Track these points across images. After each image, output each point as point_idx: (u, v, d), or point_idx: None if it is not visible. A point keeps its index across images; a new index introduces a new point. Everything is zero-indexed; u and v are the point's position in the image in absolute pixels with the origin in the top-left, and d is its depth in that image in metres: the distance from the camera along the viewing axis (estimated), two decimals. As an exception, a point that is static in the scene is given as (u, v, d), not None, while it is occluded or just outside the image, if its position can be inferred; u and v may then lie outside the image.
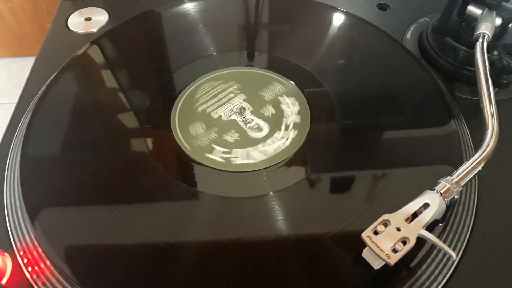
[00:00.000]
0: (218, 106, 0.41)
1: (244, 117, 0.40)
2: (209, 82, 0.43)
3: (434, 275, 0.30)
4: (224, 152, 0.37)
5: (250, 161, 0.36)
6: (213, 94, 0.41)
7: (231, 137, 0.38)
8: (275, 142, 0.37)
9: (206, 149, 0.37)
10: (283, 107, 0.39)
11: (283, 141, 0.37)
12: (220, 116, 0.40)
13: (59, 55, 0.46)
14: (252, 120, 0.39)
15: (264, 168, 0.36)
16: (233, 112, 0.40)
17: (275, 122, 0.39)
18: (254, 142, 0.38)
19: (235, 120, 0.40)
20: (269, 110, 0.40)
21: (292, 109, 0.39)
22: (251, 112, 0.40)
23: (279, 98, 0.40)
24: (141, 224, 0.32)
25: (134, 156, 0.38)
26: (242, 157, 0.36)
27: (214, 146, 0.37)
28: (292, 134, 0.37)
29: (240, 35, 0.49)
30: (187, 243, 0.31)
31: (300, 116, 0.39)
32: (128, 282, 0.29)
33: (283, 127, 0.38)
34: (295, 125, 0.38)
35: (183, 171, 0.36)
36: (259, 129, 0.38)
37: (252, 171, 0.36)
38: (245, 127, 0.39)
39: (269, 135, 0.38)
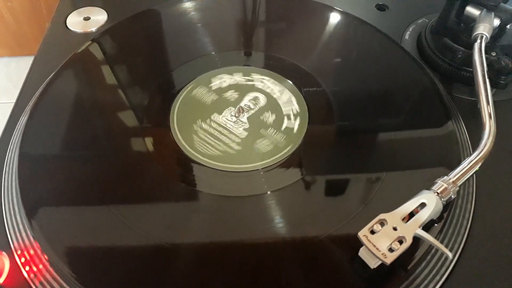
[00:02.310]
0: (225, 99, 0.41)
1: (239, 118, 0.40)
2: (229, 75, 0.43)
3: (431, 275, 0.30)
4: (205, 142, 0.38)
5: (224, 157, 0.37)
6: (229, 86, 0.42)
7: (220, 131, 0.39)
8: (232, 141, 0.38)
9: (192, 133, 0.38)
10: (285, 120, 0.40)
11: (266, 143, 0.38)
12: (221, 109, 0.40)
13: (58, 54, 0.46)
14: (245, 123, 0.39)
15: (262, 168, 0.36)
16: (232, 110, 0.40)
17: (263, 131, 0.39)
18: (238, 142, 0.38)
19: (231, 118, 0.40)
20: (269, 118, 0.40)
21: (291, 122, 0.39)
22: (248, 117, 0.40)
23: (285, 118, 0.40)
24: (139, 223, 0.32)
25: (132, 154, 0.38)
26: (220, 152, 0.37)
27: (200, 133, 0.38)
28: (279, 137, 0.38)
29: (238, 34, 0.49)
30: (185, 242, 0.31)
31: (287, 142, 0.38)
32: (126, 282, 0.29)
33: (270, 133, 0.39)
34: (286, 130, 0.38)
35: (182, 170, 0.36)
36: (247, 130, 0.39)
37: (251, 170, 0.36)
38: (235, 127, 0.39)
39: (253, 139, 0.38)
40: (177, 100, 0.41)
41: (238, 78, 0.43)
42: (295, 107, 0.40)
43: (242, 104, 0.41)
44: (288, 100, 0.41)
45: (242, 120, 0.40)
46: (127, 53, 0.46)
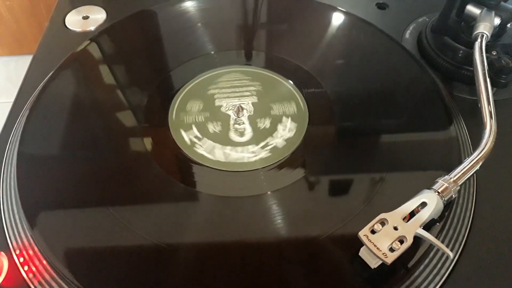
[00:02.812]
0: (227, 97, 0.41)
1: (238, 117, 0.40)
2: (237, 73, 0.43)
3: (432, 275, 0.30)
4: (195, 137, 0.37)
5: (209, 156, 0.36)
6: (233, 85, 0.42)
7: (213, 127, 0.38)
8: (243, 152, 0.37)
9: (185, 126, 0.38)
10: (279, 127, 0.39)
11: (249, 155, 0.37)
12: (220, 106, 0.40)
13: (57, 53, 0.46)
14: (243, 123, 0.39)
15: (262, 168, 0.36)
16: (232, 108, 0.40)
17: (259, 137, 0.38)
18: (227, 142, 0.38)
19: (229, 116, 0.40)
20: (265, 124, 0.39)
21: (284, 133, 0.38)
22: (248, 116, 0.40)
23: (284, 117, 0.39)
24: (137, 223, 0.32)
25: (131, 154, 0.37)
26: (206, 149, 0.37)
27: (193, 126, 0.38)
28: (263, 154, 0.37)
29: (239, 34, 0.49)
30: (184, 243, 0.31)
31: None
32: (125, 282, 0.29)
33: (261, 144, 0.37)
34: (272, 149, 0.37)
35: (181, 171, 0.36)
36: (242, 134, 0.38)
37: (250, 170, 0.36)
38: (231, 126, 0.39)
39: (244, 144, 0.38)
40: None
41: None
42: (291, 134, 0.38)
43: (247, 106, 0.41)
44: (290, 126, 0.40)
45: (236, 119, 0.40)
46: (126, 53, 0.46)
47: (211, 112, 0.40)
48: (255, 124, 0.39)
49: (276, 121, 0.39)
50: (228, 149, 0.37)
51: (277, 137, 0.38)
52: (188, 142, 0.37)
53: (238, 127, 0.39)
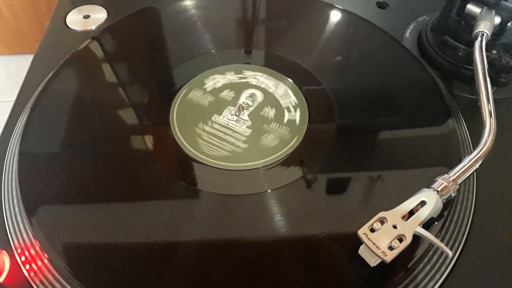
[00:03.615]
0: (226, 97, 0.41)
1: (239, 116, 0.40)
2: (231, 72, 0.43)
3: (432, 274, 0.30)
4: (202, 138, 0.38)
5: (218, 154, 0.37)
6: (230, 83, 0.42)
7: (217, 128, 0.39)
8: (271, 131, 0.38)
9: (190, 127, 0.38)
10: (286, 113, 0.40)
11: (273, 136, 0.38)
12: (221, 106, 0.40)
13: (58, 52, 0.46)
14: (246, 121, 0.39)
15: (262, 166, 0.36)
16: (232, 108, 0.40)
17: (277, 117, 0.39)
18: (235, 139, 0.38)
19: (230, 116, 0.40)
20: (269, 113, 0.40)
21: (291, 114, 0.39)
22: (249, 114, 0.40)
23: (285, 111, 0.40)
24: (139, 221, 0.32)
25: (132, 153, 0.38)
26: (214, 148, 0.37)
27: (197, 128, 0.38)
28: (282, 130, 0.38)
29: (239, 32, 0.49)
30: (184, 241, 0.31)
31: (300, 119, 0.39)
32: (126, 280, 0.29)
33: (277, 120, 0.39)
34: (290, 123, 0.38)
35: (182, 169, 0.36)
36: (246, 131, 0.39)
37: (251, 169, 0.36)
38: (235, 125, 0.39)
39: (250, 139, 0.38)
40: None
41: (230, 77, 0.43)
42: (293, 99, 0.40)
43: (240, 102, 0.41)
44: (284, 93, 0.41)
45: (243, 118, 0.40)
46: (127, 51, 0.46)
47: (213, 113, 0.40)
48: (257, 122, 0.40)
49: (280, 113, 0.40)
50: (239, 144, 0.37)
51: (284, 122, 0.38)
52: (195, 143, 0.37)
53: (241, 125, 0.39)
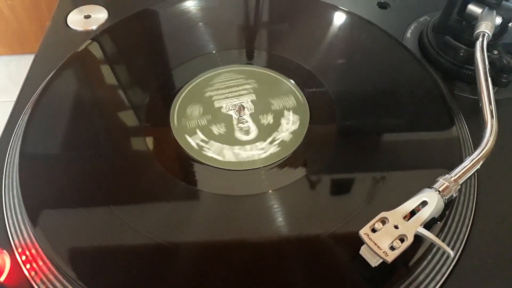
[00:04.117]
0: (226, 98, 0.41)
1: (240, 116, 0.40)
2: (230, 73, 0.43)
3: (433, 274, 0.30)
4: (202, 140, 0.37)
5: (219, 158, 0.36)
6: (228, 85, 0.42)
7: (217, 129, 0.38)
8: (252, 150, 0.37)
9: (190, 131, 0.38)
10: (283, 121, 0.39)
11: (260, 152, 0.37)
12: (221, 107, 0.40)
13: (58, 52, 0.46)
14: (246, 122, 0.39)
15: (263, 167, 0.36)
16: (233, 108, 0.40)
17: (265, 133, 0.38)
18: (234, 142, 0.38)
19: (231, 116, 0.40)
20: (268, 119, 0.39)
21: (289, 126, 0.38)
22: (250, 114, 0.40)
23: (285, 111, 0.40)
24: (139, 222, 0.32)
25: (133, 154, 0.38)
26: (214, 151, 0.37)
27: (197, 131, 0.38)
28: (273, 149, 0.37)
29: (240, 33, 0.49)
30: (185, 241, 0.31)
31: (293, 135, 0.38)
32: (127, 281, 0.29)
33: (268, 140, 0.38)
34: (281, 143, 0.37)
35: (183, 170, 0.36)
36: (247, 132, 0.38)
37: (252, 169, 0.36)
38: (235, 126, 0.39)
39: (252, 142, 0.38)
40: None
41: (225, 83, 0.42)
42: (296, 127, 0.38)
43: (247, 104, 0.41)
44: (293, 118, 0.40)
45: (239, 118, 0.40)
46: (128, 52, 0.46)
47: (213, 114, 0.40)
48: (258, 121, 0.39)
49: (279, 115, 0.40)
50: (237, 148, 0.37)
51: (282, 131, 0.38)
52: (196, 146, 0.37)
53: (242, 126, 0.39)
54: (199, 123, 0.39)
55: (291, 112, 0.39)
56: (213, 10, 0.50)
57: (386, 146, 0.38)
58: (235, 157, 0.36)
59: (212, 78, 0.43)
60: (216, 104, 0.40)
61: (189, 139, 0.37)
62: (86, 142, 0.38)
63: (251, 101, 0.41)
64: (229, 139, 0.38)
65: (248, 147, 0.37)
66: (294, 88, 0.42)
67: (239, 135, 0.38)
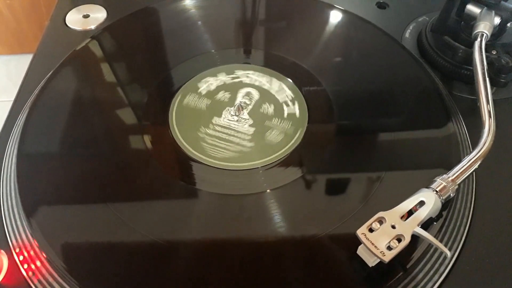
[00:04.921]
0: (226, 92, 0.42)
1: (240, 115, 0.40)
2: (244, 70, 0.43)
3: (431, 274, 0.30)
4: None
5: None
6: (232, 81, 0.42)
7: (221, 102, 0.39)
8: (274, 128, 0.38)
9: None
10: (284, 108, 0.40)
11: (278, 132, 0.38)
12: (221, 99, 0.41)
13: (57, 52, 0.46)
14: (245, 120, 0.39)
15: (261, 166, 0.36)
16: (232, 113, 0.40)
17: (278, 113, 0.39)
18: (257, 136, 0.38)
19: (232, 120, 0.40)
20: (269, 109, 0.40)
21: (292, 108, 0.39)
22: (252, 108, 0.40)
23: (283, 105, 0.40)
24: (138, 221, 0.32)
25: (131, 153, 0.38)
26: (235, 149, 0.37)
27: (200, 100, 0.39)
28: (284, 124, 0.38)
29: (238, 32, 0.49)
30: (184, 240, 0.31)
31: (291, 134, 0.38)
32: (125, 280, 0.29)
33: (279, 116, 0.39)
34: (290, 116, 0.38)
35: (181, 169, 0.36)
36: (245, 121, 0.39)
37: (250, 169, 0.36)
38: (240, 125, 0.39)
39: (269, 126, 0.38)
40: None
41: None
42: (289, 93, 0.39)
43: (238, 102, 0.41)
44: (279, 88, 0.41)
45: (243, 117, 0.40)
46: (127, 51, 0.46)
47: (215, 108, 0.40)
48: (259, 115, 0.40)
49: (279, 106, 0.40)
50: (267, 134, 0.38)
51: (284, 117, 0.39)
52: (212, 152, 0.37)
53: (241, 121, 0.39)
54: (206, 132, 0.38)
55: (290, 103, 0.39)
56: (211, 9, 0.50)
57: (384, 146, 0.38)
58: (263, 139, 0.37)
59: (198, 84, 0.42)
60: (213, 110, 0.40)
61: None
62: (84, 141, 0.38)
63: (248, 100, 0.41)
64: (242, 138, 0.38)
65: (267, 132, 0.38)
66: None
67: (246, 130, 0.39)
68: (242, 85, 0.42)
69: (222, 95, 0.42)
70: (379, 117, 0.40)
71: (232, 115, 0.40)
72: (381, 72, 0.44)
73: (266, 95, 0.41)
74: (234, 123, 0.39)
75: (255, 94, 0.41)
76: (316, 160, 0.37)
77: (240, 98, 0.41)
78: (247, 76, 0.43)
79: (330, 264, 0.30)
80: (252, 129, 0.39)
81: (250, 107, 0.41)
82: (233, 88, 0.42)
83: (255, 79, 0.42)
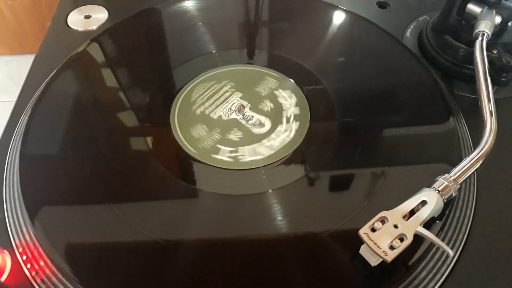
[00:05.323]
0: (216, 107, 0.40)
1: (244, 114, 0.40)
2: (202, 83, 0.42)
3: (433, 273, 0.30)
4: (231, 151, 0.37)
5: (258, 157, 0.36)
6: (208, 95, 0.41)
7: (234, 135, 0.38)
8: (279, 135, 0.37)
9: (212, 150, 0.37)
10: (281, 100, 0.40)
11: (287, 133, 0.37)
12: (220, 116, 0.40)
13: (59, 53, 0.46)
14: (253, 116, 0.39)
15: (263, 166, 0.36)
16: (232, 111, 0.40)
17: (276, 116, 0.39)
18: (259, 138, 0.38)
19: (236, 119, 0.40)
20: (268, 105, 0.40)
21: (289, 101, 0.39)
22: (250, 108, 0.40)
23: (275, 92, 0.40)
24: (140, 221, 0.32)
25: (133, 154, 0.38)
26: (249, 154, 0.37)
27: (219, 146, 0.37)
28: (294, 126, 0.38)
29: (240, 33, 0.49)
30: (186, 240, 0.32)
31: (299, 108, 0.39)
32: (127, 280, 0.29)
33: (284, 120, 0.38)
34: (296, 117, 0.38)
35: (182, 169, 0.36)
36: (261, 124, 0.39)
37: (251, 168, 0.36)
38: (247, 125, 0.39)
39: (272, 129, 0.38)
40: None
41: (224, 79, 0.43)
42: (294, 99, 0.39)
43: (241, 102, 0.41)
44: (286, 94, 0.41)
45: (244, 117, 0.40)
46: (128, 52, 0.46)
47: (220, 127, 0.39)
48: (262, 111, 0.40)
49: (273, 98, 0.40)
50: (265, 141, 0.37)
51: (288, 107, 0.38)
52: (229, 159, 0.36)
53: (252, 121, 0.39)
54: (215, 139, 0.38)
55: (280, 90, 0.39)
56: (212, 10, 0.50)
57: (385, 146, 0.38)
58: (271, 149, 0.37)
59: (189, 95, 0.42)
60: (214, 116, 0.40)
61: (219, 157, 0.36)
62: (86, 141, 0.38)
63: (240, 97, 0.41)
64: (252, 138, 0.38)
65: (273, 135, 0.38)
66: (289, 83, 0.42)
67: (256, 130, 0.38)
68: (228, 95, 0.42)
69: (223, 96, 0.42)
70: (380, 117, 0.40)
71: (233, 115, 0.40)
72: (382, 72, 0.44)
73: (256, 95, 0.41)
74: (235, 123, 0.39)
75: (247, 98, 0.41)
76: (318, 159, 0.37)
77: (240, 98, 0.41)
78: (225, 86, 0.42)
79: (333, 263, 0.30)
80: (253, 129, 0.39)
81: (250, 106, 0.41)
82: (233, 89, 0.42)
83: (234, 85, 0.42)
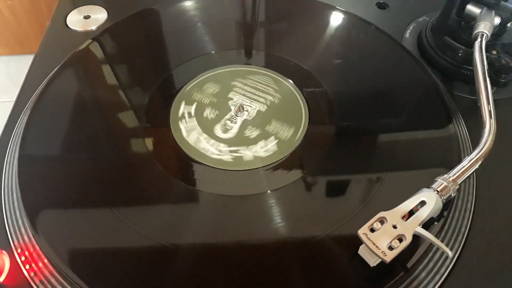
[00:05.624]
0: (244, 95, 0.41)
1: (244, 114, 0.40)
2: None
3: (432, 274, 0.30)
4: (188, 113, 0.38)
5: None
6: (257, 86, 0.42)
7: (234, 135, 0.38)
8: (212, 146, 0.37)
9: (211, 150, 0.37)
10: (259, 143, 0.38)
11: (214, 151, 0.37)
12: (220, 116, 0.40)
13: (58, 53, 0.46)
14: (235, 123, 0.39)
15: (262, 167, 0.36)
16: (232, 111, 0.40)
17: (238, 142, 0.38)
18: (207, 131, 0.38)
19: (236, 119, 0.40)
20: (252, 133, 0.39)
21: (258, 150, 0.37)
22: (244, 120, 0.40)
23: (272, 137, 0.38)
24: (139, 222, 0.32)
25: (132, 154, 0.38)
26: (186, 127, 0.38)
27: (219, 146, 0.37)
28: (225, 157, 0.36)
29: (239, 34, 0.49)
30: (186, 241, 0.31)
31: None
32: (126, 281, 0.29)
33: (232, 148, 0.37)
34: (236, 158, 0.36)
35: (182, 170, 0.36)
36: (225, 131, 0.38)
37: (251, 169, 0.36)
38: (223, 120, 0.39)
39: (220, 140, 0.38)
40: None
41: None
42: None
43: (238, 103, 0.41)
44: (286, 123, 0.40)
45: (244, 118, 0.40)
46: (127, 52, 0.46)
47: (219, 99, 0.40)
48: (243, 129, 0.39)
49: (263, 136, 0.38)
50: (203, 136, 0.38)
51: (250, 150, 0.37)
52: (179, 114, 0.37)
53: (229, 123, 0.39)
54: (214, 140, 0.38)
55: (275, 141, 0.38)
56: (212, 11, 0.50)
57: (385, 146, 0.38)
58: (194, 143, 0.37)
59: (249, 73, 0.43)
60: (231, 95, 0.41)
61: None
62: (85, 142, 0.38)
63: (258, 110, 0.40)
64: (252, 138, 0.38)
65: (212, 141, 0.38)
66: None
67: (217, 128, 0.38)
68: (260, 100, 0.42)
69: (223, 96, 0.42)
70: (379, 118, 0.40)
71: (233, 115, 0.40)
72: (382, 73, 0.44)
73: (264, 123, 0.40)
74: (235, 124, 0.39)
75: (255, 95, 0.41)
76: (317, 161, 0.37)
77: (240, 99, 0.41)
78: (272, 96, 0.42)
79: (331, 264, 0.30)
80: (252, 130, 0.39)
81: (249, 108, 0.41)
82: (233, 90, 0.42)
83: (274, 102, 0.41)
